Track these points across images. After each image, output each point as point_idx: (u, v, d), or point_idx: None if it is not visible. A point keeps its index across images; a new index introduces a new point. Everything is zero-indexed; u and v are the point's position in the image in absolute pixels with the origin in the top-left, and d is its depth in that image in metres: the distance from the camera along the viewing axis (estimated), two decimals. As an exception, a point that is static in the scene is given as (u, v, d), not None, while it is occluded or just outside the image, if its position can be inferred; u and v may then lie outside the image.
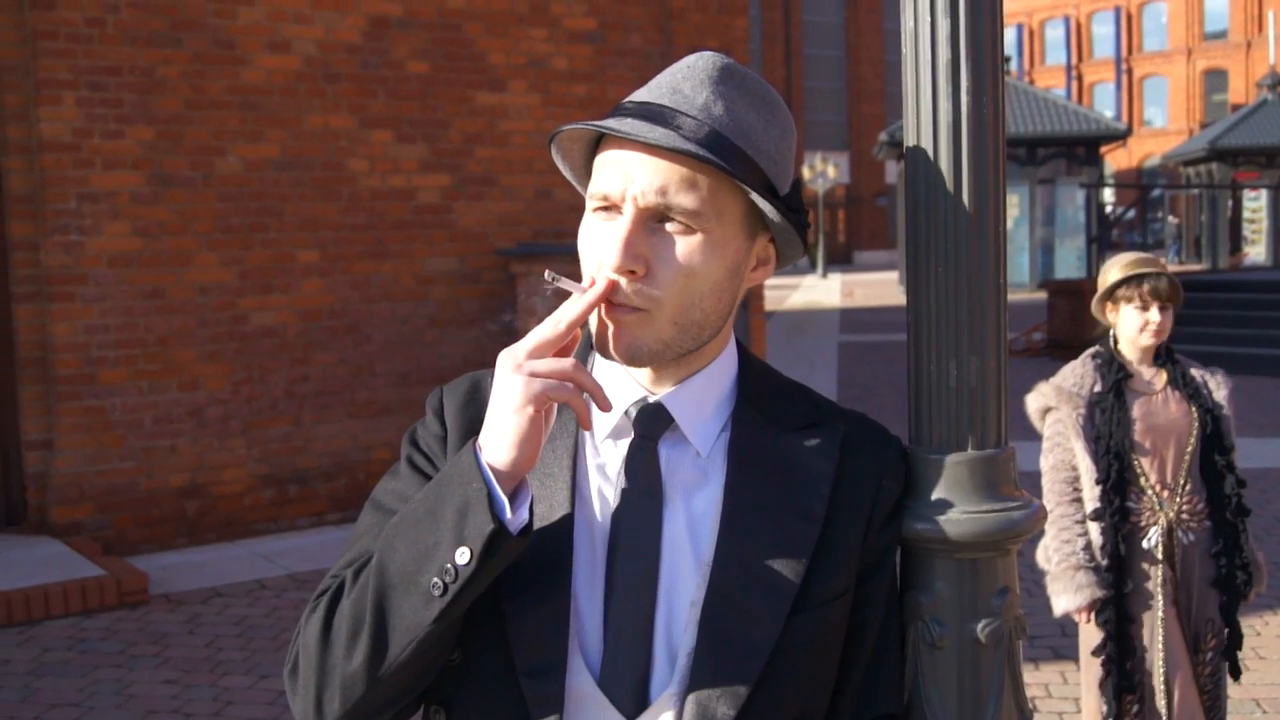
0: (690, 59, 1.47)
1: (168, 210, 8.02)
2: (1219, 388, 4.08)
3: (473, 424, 1.50)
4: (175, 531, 7.99)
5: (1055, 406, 4.02)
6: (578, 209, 1.42)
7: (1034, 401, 4.09)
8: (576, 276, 1.49)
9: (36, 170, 7.62)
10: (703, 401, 1.49)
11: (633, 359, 1.43)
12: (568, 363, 1.35)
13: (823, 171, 45.44)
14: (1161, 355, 4.10)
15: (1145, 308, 3.96)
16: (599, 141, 1.47)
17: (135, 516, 7.85)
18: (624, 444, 1.48)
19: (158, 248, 8.00)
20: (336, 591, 1.44)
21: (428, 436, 1.55)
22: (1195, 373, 4.10)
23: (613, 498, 1.45)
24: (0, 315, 7.72)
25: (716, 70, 1.44)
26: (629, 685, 1.40)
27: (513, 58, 9.30)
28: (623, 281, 1.39)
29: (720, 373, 1.51)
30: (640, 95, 1.45)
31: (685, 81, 1.43)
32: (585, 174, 1.52)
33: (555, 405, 1.37)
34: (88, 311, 7.76)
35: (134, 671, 5.85)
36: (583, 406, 1.36)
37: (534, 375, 1.34)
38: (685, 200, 1.38)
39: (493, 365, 1.43)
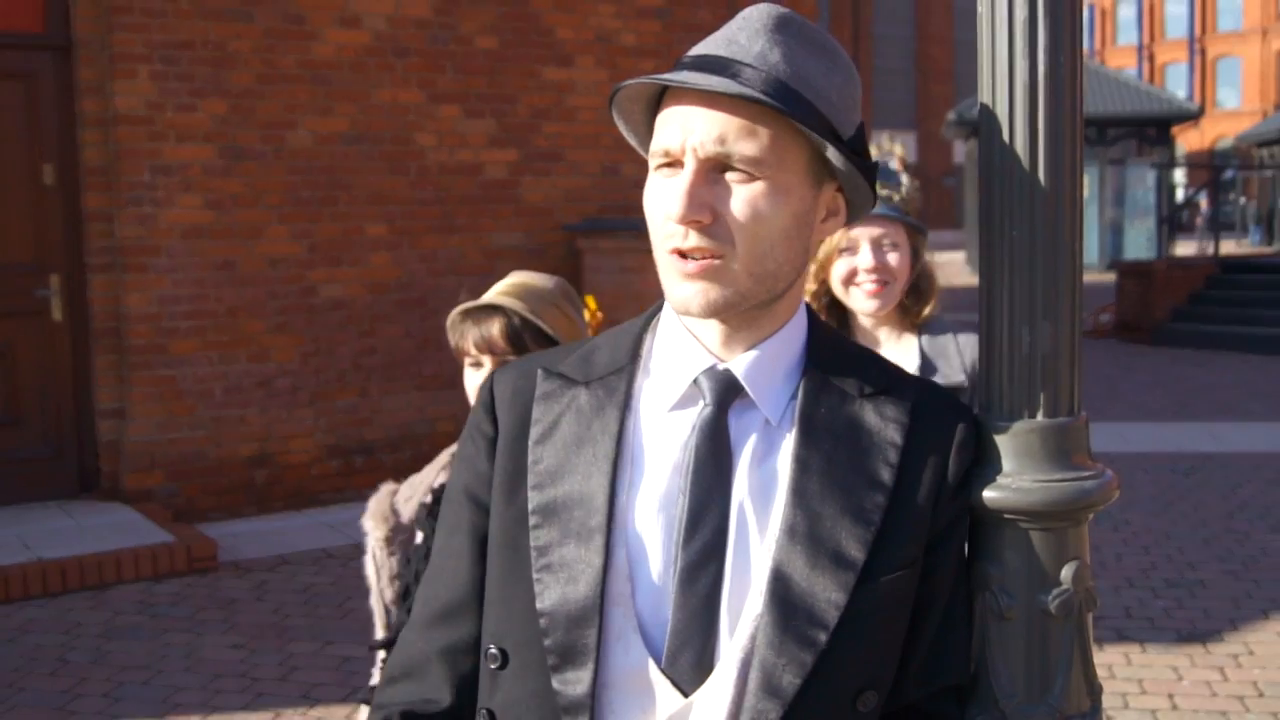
0: (746, 12, 1.46)
1: (239, 183, 8.10)
2: None
3: (520, 421, 1.51)
4: (244, 500, 8.09)
5: (367, 532, 2.86)
6: (643, 184, 1.39)
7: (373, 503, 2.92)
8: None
9: (111, 143, 7.72)
10: (774, 368, 1.47)
11: (711, 309, 1.41)
12: None
13: (890, 151, 44.98)
14: None
15: (477, 365, 2.71)
16: (659, 103, 1.46)
17: (205, 485, 7.95)
18: (691, 412, 1.46)
19: (229, 220, 8.08)
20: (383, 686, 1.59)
21: (478, 436, 1.55)
22: None
23: (680, 468, 1.44)
24: (75, 286, 7.84)
25: (772, 20, 1.43)
26: (693, 659, 1.39)
27: (581, 33, 9.29)
28: (693, 233, 1.38)
29: (791, 338, 1.50)
30: (697, 49, 1.45)
31: (740, 32, 1.42)
32: (647, 137, 1.51)
33: None
34: (160, 282, 7.86)
35: (202, 636, 5.93)
36: None
37: None
38: (745, 147, 1.37)
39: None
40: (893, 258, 2.96)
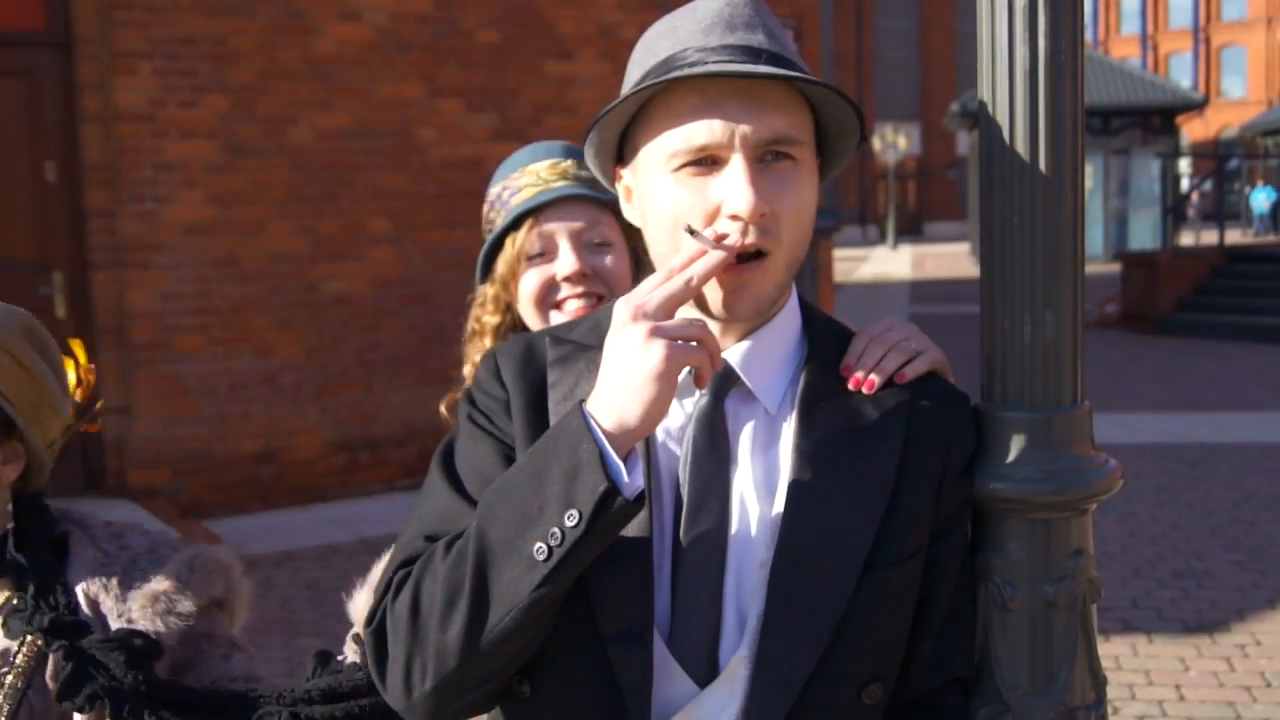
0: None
1: (241, 179, 8.10)
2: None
3: (533, 387, 1.46)
4: (249, 496, 8.10)
5: None
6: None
7: None
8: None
9: (113, 140, 7.72)
10: (770, 357, 1.45)
11: (759, 312, 1.39)
12: (700, 323, 1.28)
13: (893, 143, 44.93)
14: None
15: None
16: (637, 112, 1.42)
17: (210, 481, 7.96)
18: (688, 403, 1.44)
19: (231, 216, 8.08)
20: (426, 562, 1.36)
21: (486, 399, 1.49)
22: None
23: (679, 459, 1.41)
24: (78, 283, 7.85)
25: (753, 2, 1.41)
26: (700, 651, 1.37)
27: (582, 26, 9.28)
28: (753, 228, 1.34)
29: (785, 325, 1.47)
30: (694, 43, 1.39)
31: (736, 18, 1.39)
32: (612, 155, 1.48)
33: None
34: (163, 279, 7.87)
35: (208, 632, 5.93)
36: (708, 367, 1.30)
37: (671, 338, 1.26)
38: (792, 131, 1.35)
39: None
40: (608, 260, 2.05)
